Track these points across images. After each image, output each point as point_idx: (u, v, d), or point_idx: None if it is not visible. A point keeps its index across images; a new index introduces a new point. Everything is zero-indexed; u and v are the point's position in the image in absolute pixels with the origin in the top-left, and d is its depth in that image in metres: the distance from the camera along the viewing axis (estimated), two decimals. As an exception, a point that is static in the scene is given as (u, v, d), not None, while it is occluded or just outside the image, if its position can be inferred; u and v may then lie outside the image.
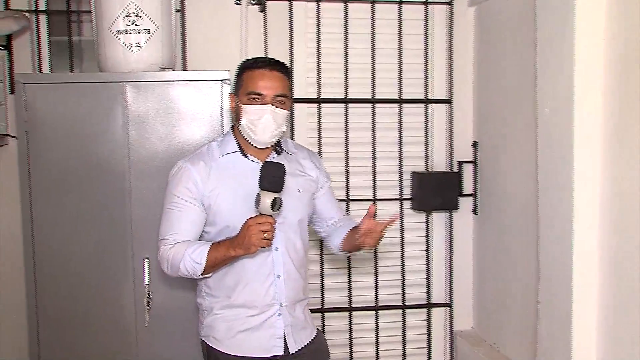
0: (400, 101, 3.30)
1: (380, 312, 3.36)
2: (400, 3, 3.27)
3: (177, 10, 2.96)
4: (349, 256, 3.27)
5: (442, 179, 3.30)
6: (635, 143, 1.93)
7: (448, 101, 3.35)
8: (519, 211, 2.89)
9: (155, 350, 2.58)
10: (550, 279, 2.23)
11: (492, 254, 3.21)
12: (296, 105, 3.15)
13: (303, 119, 3.22)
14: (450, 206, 3.32)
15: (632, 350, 1.96)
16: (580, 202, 2.06)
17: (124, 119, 2.52)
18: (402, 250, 3.36)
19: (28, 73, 2.93)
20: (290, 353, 2.12)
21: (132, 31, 2.54)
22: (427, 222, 3.40)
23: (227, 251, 1.95)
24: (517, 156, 2.90)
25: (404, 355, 3.41)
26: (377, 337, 3.37)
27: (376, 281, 3.34)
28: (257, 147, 2.11)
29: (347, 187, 3.25)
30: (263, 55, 2.99)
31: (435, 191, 3.28)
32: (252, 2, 3.12)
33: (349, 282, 3.31)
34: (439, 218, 3.41)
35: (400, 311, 3.39)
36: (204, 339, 2.17)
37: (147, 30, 2.56)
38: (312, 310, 3.18)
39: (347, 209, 3.19)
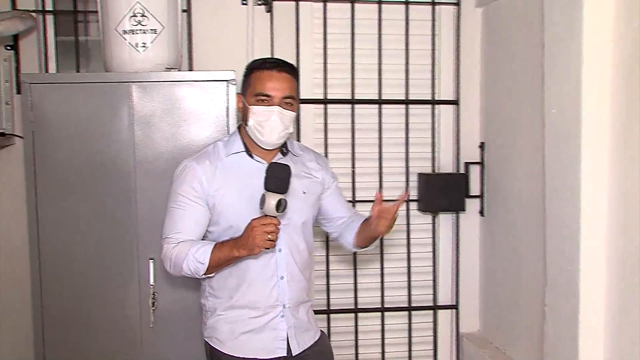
0: (407, 102, 3.29)
1: (386, 313, 3.35)
2: (407, 3, 3.26)
3: (184, 10, 2.96)
4: (354, 258, 3.27)
5: (449, 180, 3.29)
6: (643, 144, 1.92)
7: (455, 102, 3.33)
8: (526, 213, 2.87)
9: (160, 351, 2.57)
10: (557, 281, 2.21)
11: (499, 256, 3.19)
12: (302, 105, 3.14)
13: (309, 119, 3.22)
14: (457, 208, 3.31)
15: (639, 353, 1.95)
16: (587, 204, 2.04)
17: (129, 119, 2.52)
18: (409, 252, 3.35)
19: (34, 73, 2.93)
20: (294, 355, 2.11)
21: (138, 31, 2.54)
22: (433, 223, 3.39)
23: (230, 251, 1.95)
24: (524, 157, 2.88)
25: (409, 357, 3.40)
26: (382, 338, 3.36)
27: (382, 282, 3.33)
28: (263, 148, 2.10)
29: (354, 188, 3.24)
30: (269, 56, 2.99)
31: (442, 192, 3.26)
32: (259, 2, 3.12)
33: (355, 283, 3.30)
34: (445, 219, 3.39)
35: (406, 313, 3.38)
36: (207, 340, 2.16)
37: (153, 31, 2.56)
38: (318, 312, 3.20)
39: (353, 210, 3.18)
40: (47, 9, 3.05)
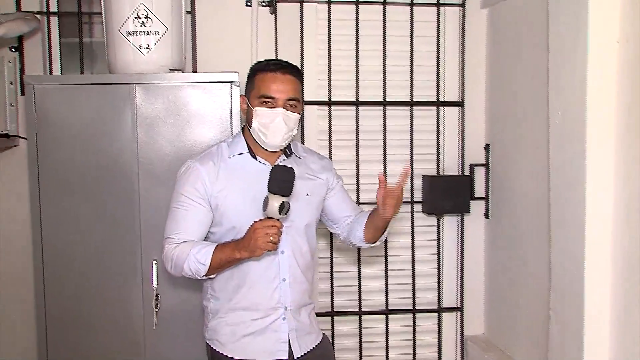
0: (411, 104, 3.28)
1: (390, 316, 3.34)
2: (412, 5, 3.24)
3: (188, 12, 2.96)
4: (359, 260, 3.26)
5: (454, 182, 3.27)
6: (649, 146, 1.90)
7: (460, 104, 3.32)
8: (531, 215, 2.86)
9: (163, 352, 2.58)
10: (562, 284, 2.20)
11: (504, 258, 3.18)
12: (307, 107, 3.13)
13: (313, 121, 3.21)
14: (462, 210, 3.29)
15: (645, 358, 1.94)
16: (592, 206, 2.03)
17: (133, 120, 2.52)
18: (413, 254, 3.33)
19: (38, 75, 2.93)
20: (295, 358, 2.11)
21: (141, 33, 2.54)
22: (438, 225, 3.37)
23: (232, 253, 1.94)
24: (529, 159, 2.87)
25: (414, 359, 3.38)
26: (387, 341, 3.34)
27: (386, 285, 3.31)
28: (267, 150, 2.10)
29: (358, 190, 3.22)
30: (274, 57, 2.98)
31: (447, 194, 3.24)
32: (263, 3, 3.11)
33: (359, 285, 3.29)
34: (450, 222, 3.38)
35: (410, 315, 3.36)
36: (208, 342, 2.16)
37: (157, 32, 2.56)
38: (322, 314, 3.21)
39: (358, 212, 3.17)
40: (51, 10, 3.05)
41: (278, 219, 1.89)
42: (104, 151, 2.52)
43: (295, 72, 2.10)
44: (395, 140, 3.27)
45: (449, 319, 3.41)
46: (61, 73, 3.10)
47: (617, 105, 2.00)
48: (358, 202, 3.19)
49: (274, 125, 2.03)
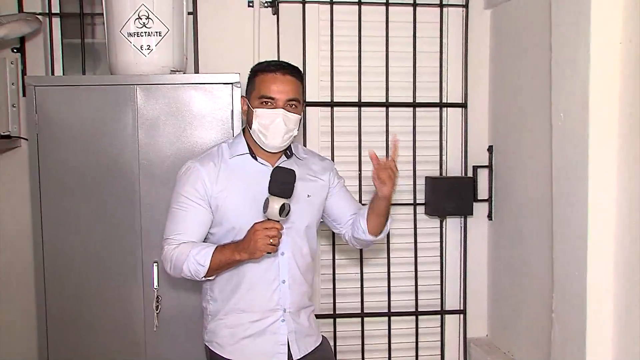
0: (414, 105, 3.27)
1: (392, 318, 3.32)
2: (414, 5, 3.23)
3: (189, 13, 2.95)
4: (361, 262, 3.25)
5: (457, 184, 3.26)
6: (652, 148, 1.88)
7: (463, 105, 3.30)
8: (535, 217, 2.84)
9: (163, 354, 2.57)
10: (564, 286, 2.18)
11: (507, 260, 3.16)
12: (309, 108, 3.13)
13: (316, 122, 3.20)
14: (465, 211, 3.28)
15: (648, 361, 1.92)
16: (594, 208, 2.01)
17: (134, 121, 2.51)
18: (416, 256, 3.32)
19: (39, 76, 2.94)
20: (294, 360, 2.10)
21: (142, 34, 2.54)
22: (441, 227, 3.36)
23: (231, 255, 1.93)
24: (533, 161, 2.85)
25: (416, 362, 3.37)
26: (389, 343, 3.33)
27: (389, 287, 3.30)
28: (267, 151, 2.09)
29: (360, 192, 3.21)
30: (275, 58, 2.98)
31: (450, 196, 3.23)
32: (265, 4, 3.11)
33: (362, 287, 3.28)
34: (453, 223, 3.36)
35: (413, 317, 3.35)
36: (207, 344, 2.15)
37: (158, 33, 2.55)
38: (324, 316, 3.20)
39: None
40: (53, 11, 3.05)
41: (278, 221, 1.88)
42: (105, 152, 2.52)
43: (296, 73, 2.09)
44: (398, 141, 3.24)
45: (451, 321, 3.40)
46: (63, 74, 3.10)
47: (619, 106, 1.98)
48: (360, 203, 3.18)
49: (274, 126, 2.02)
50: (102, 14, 2.67)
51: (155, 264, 2.51)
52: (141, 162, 2.52)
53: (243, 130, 2.18)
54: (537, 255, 2.82)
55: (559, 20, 2.17)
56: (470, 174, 3.31)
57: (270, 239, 1.86)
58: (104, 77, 2.66)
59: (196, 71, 3.04)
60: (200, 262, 1.95)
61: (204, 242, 2.07)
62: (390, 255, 3.29)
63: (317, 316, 2.26)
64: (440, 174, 3.32)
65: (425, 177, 3.29)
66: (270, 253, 1.91)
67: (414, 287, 3.33)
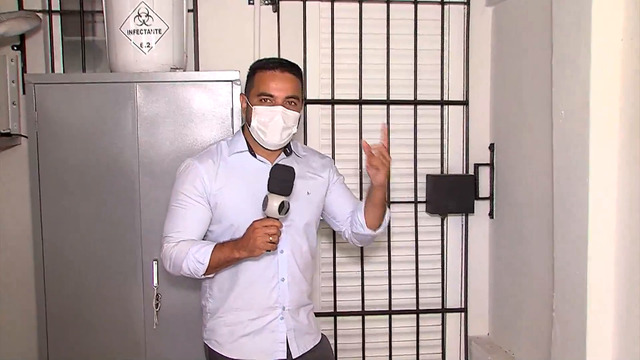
0: (415, 102, 3.25)
1: (393, 316, 3.31)
2: (416, 3, 3.22)
3: (190, 10, 2.94)
4: (362, 259, 3.25)
5: (458, 181, 3.24)
6: (653, 146, 1.87)
7: (464, 103, 3.29)
8: (536, 215, 2.83)
9: (163, 352, 2.58)
10: (565, 285, 2.17)
11: (508, 259, 3.15)
12: (309, 106, 3.12)
13: (316, 120, 3.19)
14: (466, 209, 3.27)
15: (649, 360, 1.91)
16: (595, 207, 2.00)
17: (133, 119, 2.51)
18: (417, 254, 3.31)
19: (38, 73, 2.93)
20: (294, 358, 2.09)
21: (142, 31, 2.54)
22: (442, 225, 3.35)
23: (231, 252, 1.93)
24: (534, 159, 2.84)
25: (417, 360, 3.37)
26: (390, 341, 3.32)
27: (390, 285, 3.29)
28: (266, 149, 2.09)
29: (361, 189, 3.20)
30: (276, 56, 2.97)
31: (451, 194, 3.22)
32: (265, 1, 3.10)
33: (362, 285, 3.27)
34: (454, 221, 3.35)
35: (414, 316, 3.34)
36: (206, 342, 2.15)
37: (158, 30, 2.55)
38: (325, 314, 3.19)
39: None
40: (54, 8, 3.05)
41: (277, 219, 1.88)
42: (105, 150, 2.52)
43: (295, 70, 2.08)
44: (399, 139, 3.25)
45: (452, 319, 3.39)
46: (63, 72, 3.09)
47: (620, 104, 1.97)
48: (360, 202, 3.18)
49: (272, 123, 2.02)
50: (102, 12, 2.66)
51: (155, 262, 2.51)
52: (141, 160, 2.52)
53: (242, 127, 2.18)
54: (538, 254, 2.81)
55: (559, 19, 2.16)
56: (471, 172, 3.29)
57: (270, 236, 1.86)
58: (103, 75, 2.65)
59: (196, 69, 3.04)
60: (199, 260, 1.95)
61: (203, 239, 2.06)
62: (391, 253, 3.28)
63: (318, 314, 2.26)
64: (442, 171, 3.31)
65: (427, 175, 3.28)
66: (269, 251, 1.91)
67: (415, 285, 3.32)
